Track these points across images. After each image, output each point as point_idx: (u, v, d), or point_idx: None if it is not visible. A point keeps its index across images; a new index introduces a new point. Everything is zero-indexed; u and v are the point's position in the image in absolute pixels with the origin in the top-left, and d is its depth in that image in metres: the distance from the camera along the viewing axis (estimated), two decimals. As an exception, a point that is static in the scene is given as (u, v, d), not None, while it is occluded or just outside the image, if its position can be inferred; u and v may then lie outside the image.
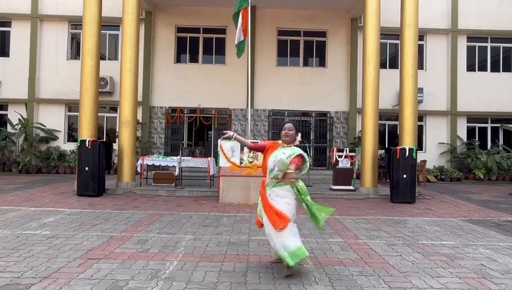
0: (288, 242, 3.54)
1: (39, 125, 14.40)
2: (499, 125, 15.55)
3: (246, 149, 8.53)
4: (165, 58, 14.78)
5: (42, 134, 14.39)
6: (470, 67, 15.41)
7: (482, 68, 15.50)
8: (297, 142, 3.83)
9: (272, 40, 14.90)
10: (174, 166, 9.70)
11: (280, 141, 3.86)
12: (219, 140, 8.87)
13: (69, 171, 13.88)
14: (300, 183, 3.76)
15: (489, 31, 15.15)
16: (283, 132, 3.78)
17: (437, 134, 15.08)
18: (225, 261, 4.08)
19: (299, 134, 3.85)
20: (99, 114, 10.16)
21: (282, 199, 3.64)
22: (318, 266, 3.98)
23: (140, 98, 12.95)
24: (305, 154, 3.71)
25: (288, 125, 3.78)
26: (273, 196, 3.66)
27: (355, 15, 14.63)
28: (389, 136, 15.25)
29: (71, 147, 14.28)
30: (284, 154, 3.64)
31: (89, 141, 8.82)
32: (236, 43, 9.65)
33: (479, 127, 15.54)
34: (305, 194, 3.72)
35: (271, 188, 3.69)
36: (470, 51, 15.42)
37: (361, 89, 10.22)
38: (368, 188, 9.55)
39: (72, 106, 14.56)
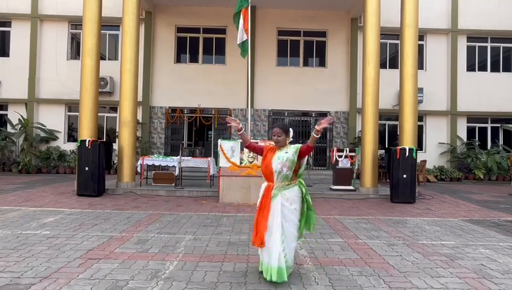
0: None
1: (39, 126, 14.40)
2: (499, 125, 15.55)
3: (246, 149, 8.52)
4: (165, 58, 14.78)
5: (42, 134, 14.39)
6: (470, 67, 15.41)
7: (482, 68, 15.50)
8: (290, 139, 3.70)
9: (272, 40, 14.90)
10: (174, 166, 9.69)
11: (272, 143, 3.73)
12: (219, 140, 8.88)
13: (69, 171, 13.88)
14: (302, 181, 3.64)
15: (489, 31, 15.15)
16: (273, 138, 3.62)
17: (437, 134, 15.07)
18: (225, 261, 4.08)
19: (291, 131, 3.69)
20: (99, 114, 10.15)
21: (292, 206, 3.49)
22: (318, 266, 3.98)
23: (140, 98, 12.94)
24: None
25: (276, 130, 3.60)
26: (283, 202, 3.47)
27: (355, 15, 14.62)
28: (389, 136, 15.24)
29: (71, 147, 14.28)
30: (287, 153, 3.54)
31: (89, 141, 8.82)
32: (238, 42, 9.60)
33: (479, 127, 15.53)
34: (307, 193, 3.60)
35: (281, 192, 3.49)
36: (470, 51, 15.42)
37: (361, 89, 10.22)
38: (368, 188, 9.55)
39: (72, 106, 14.55)
